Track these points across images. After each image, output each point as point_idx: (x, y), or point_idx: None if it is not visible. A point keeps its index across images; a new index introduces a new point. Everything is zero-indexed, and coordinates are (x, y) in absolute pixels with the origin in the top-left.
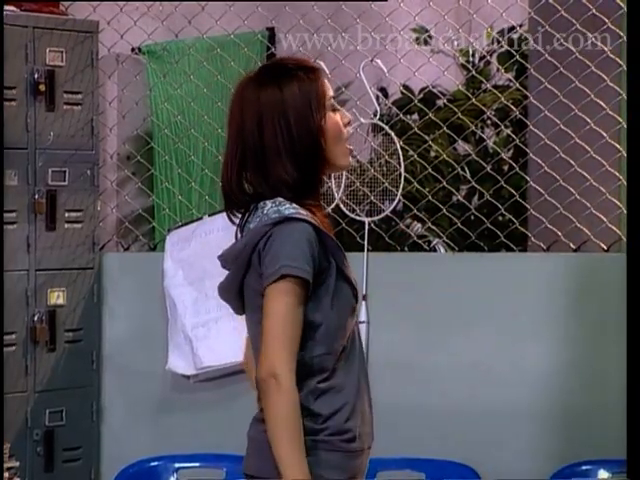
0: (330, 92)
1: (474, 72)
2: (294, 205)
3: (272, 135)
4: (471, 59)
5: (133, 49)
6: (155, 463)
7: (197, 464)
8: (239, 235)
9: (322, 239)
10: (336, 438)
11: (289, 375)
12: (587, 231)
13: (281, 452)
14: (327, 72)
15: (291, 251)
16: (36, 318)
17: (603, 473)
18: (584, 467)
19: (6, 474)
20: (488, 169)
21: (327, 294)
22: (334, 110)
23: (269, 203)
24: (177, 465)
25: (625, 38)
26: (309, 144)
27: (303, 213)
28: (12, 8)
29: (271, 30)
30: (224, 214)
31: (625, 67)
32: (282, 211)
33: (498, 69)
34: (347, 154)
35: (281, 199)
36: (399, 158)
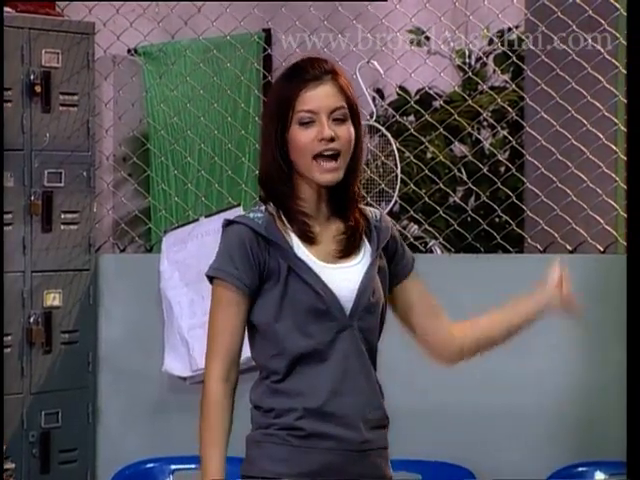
0: (307, 106)
1: (470, 73)
2: (261, 208)
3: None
4: (467, 60)
5: (129, 50)
6: (151, 465)
7: (193, 466)
8: None
9: (268, 241)
10: (285, 432)
11: (211, 380)
12: (584, 232)
13: (200, 451)
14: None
15: (218, 254)
16: (32, 320)
17: (600, 475)
18: (580, 469)
19: None
20: (484, 170)
21: (275, 295)
22: (304, 124)
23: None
24: (173, 467)
25: (622, 39)
26: (266, 151)
27: (258, 215)
28: (8, 9)
29: (267, 31)
30: (220, 215)
31: (622, 68)
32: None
33: (494, 70)
34: (321, 170)
35: (261, 202)
36: (395, 159)
